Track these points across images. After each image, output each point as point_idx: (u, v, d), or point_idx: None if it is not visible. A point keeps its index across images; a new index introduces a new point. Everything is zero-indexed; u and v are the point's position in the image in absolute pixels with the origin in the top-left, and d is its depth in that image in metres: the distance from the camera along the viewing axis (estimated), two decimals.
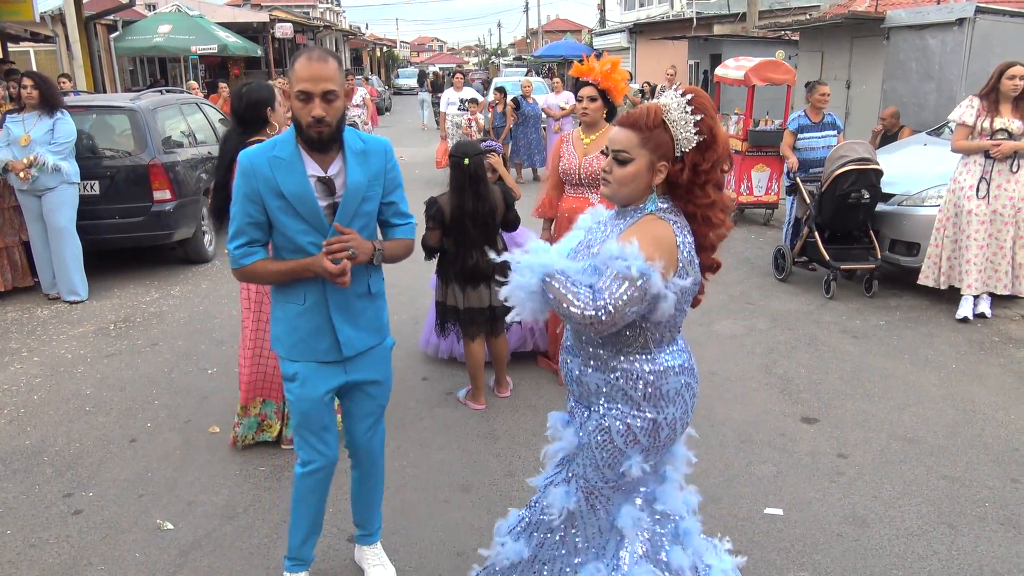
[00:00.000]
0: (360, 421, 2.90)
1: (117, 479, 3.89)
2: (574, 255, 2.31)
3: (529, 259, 2.12)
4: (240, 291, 4.04)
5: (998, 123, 5.73)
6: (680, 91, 2.19)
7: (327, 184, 2.58)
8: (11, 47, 15.50)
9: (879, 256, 6.64)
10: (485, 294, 4.53)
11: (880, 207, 6.65)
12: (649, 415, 2.26)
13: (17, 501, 3.70)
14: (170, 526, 3.48)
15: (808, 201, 6.83)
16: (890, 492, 3.70)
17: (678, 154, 2.17)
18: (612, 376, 2.26)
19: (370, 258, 2.64)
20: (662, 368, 2.26)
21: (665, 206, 2.21)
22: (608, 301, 2.05)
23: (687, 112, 2.15)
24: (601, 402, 2.30)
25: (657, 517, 2.44)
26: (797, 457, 4.04)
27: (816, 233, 6.71)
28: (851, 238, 6.79)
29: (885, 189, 6.56)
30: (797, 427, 4.39)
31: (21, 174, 6.39)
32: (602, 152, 2.25)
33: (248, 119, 3.94)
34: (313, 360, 2.71)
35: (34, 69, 17.17)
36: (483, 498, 3.69)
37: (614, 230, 2.25)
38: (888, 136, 9.02)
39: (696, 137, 2.15)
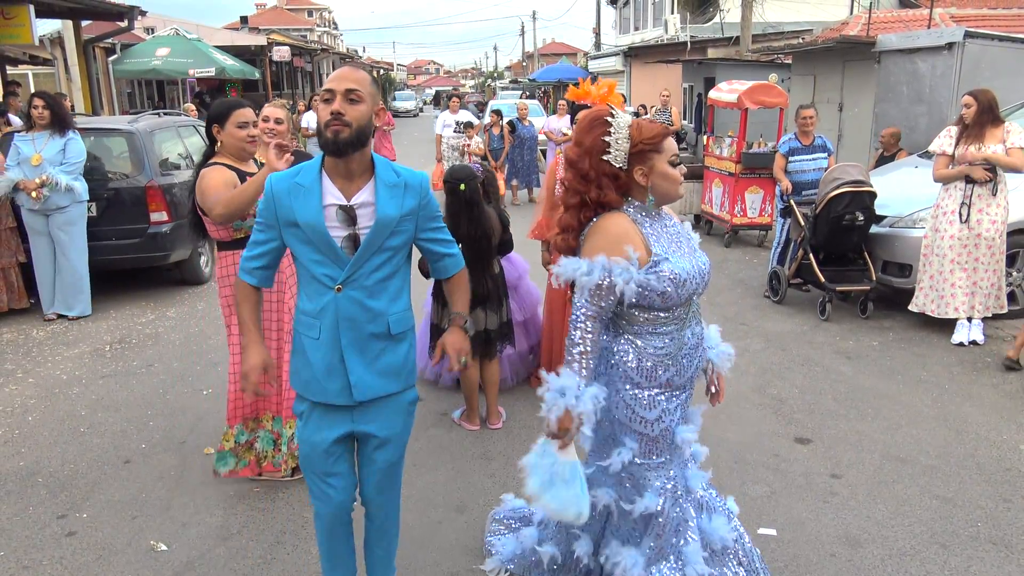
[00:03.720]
0: (370, 477, 2.71)
1: (111, 500, 3.89)
2: (682, 256, 2.55)
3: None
4: (222, 310, 3.95)
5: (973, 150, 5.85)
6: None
7: (348, 213, 2.42)
8: (10, 70, 15.59)
9: (874, 278, 6.69)
10: (480, 317, 4.54)
11: (873, 229, 6.71)
12: None
13: (11, 522, 3.69)
14: (164, 547, 3.48)
15: (802, 223, 6.88)
16: (883, 512, 3.71)
17: None
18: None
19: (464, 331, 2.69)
20: None
21: None
22: None
23: None
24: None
25: None
26: (791, 477, 4.06)
27: (811, 255, 6.77)
28: (846, 260, 6.84)
29: (877, 211, 6.62)
30: (791, 447, 4.40)
31: (33, 194, 6.46)
32: (670, 163, 2.52)
33: (209, 134, 3.89)
34: (323, 401, 2.54)
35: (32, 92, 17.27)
36: (478, 519, 3.69)
37: (681, 224, 2.70)
38: (886, 157, 9.10)
39: None
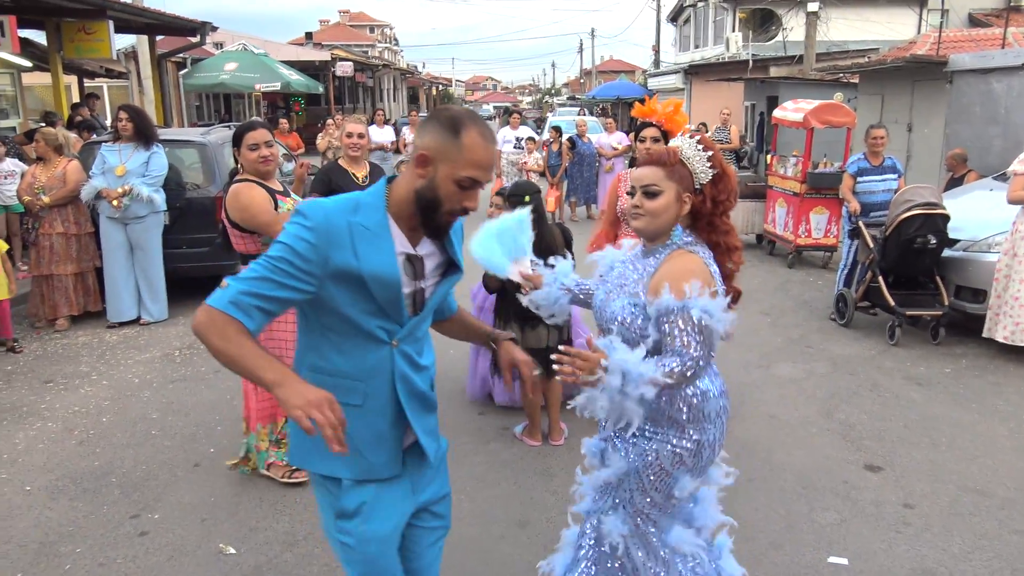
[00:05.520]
0: (422, 557, 2.29)
1: (181, 502, 3.98)
2: (606, 290, 2.48)
3: (624, 364, 2.11)
4: None
5: None
6: (687, 135, 2.43)
7: (415, 265, 2.03)
8: (86, 83, 16.20)
9: (946, 303, 6.50)
10: (543, 334, 4.54)
11: (946, 252, 6.53)
12: (695, 437, 2.36)
13: (87, 520, 3.81)
14: (232, 551, 3.54)
15: (871, 245, 6.73)
16: (960, 545, 3.59)
17: (697, 187, 2.38)
18: (656, 401, 2.27)
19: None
20: (702, 389, 2.37)
21: (690, 239, 2.39)
22: (696, 354, 2.18)
23: (699, 150, 2.38)
24: (647, 427, 2.38)
25: (704, 537, 2.54)
26: (861, 506, 3.95)
27: (880, 278, 6.61)
28: (916, 283, 6.67)
29: (951, 234, 6.44)
30: (860, 475, 4.29)
31: (115, 202, 6.72)
32: (628, 193, 2.46)
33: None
34: (367, 478, 2.07)
35: (107, 104, 17.93)
36: (540, 535, 3.67)
37: (646, 270, 2.39)
38: (954, 179, 8.86)
39: (711, 171, 2.38)
